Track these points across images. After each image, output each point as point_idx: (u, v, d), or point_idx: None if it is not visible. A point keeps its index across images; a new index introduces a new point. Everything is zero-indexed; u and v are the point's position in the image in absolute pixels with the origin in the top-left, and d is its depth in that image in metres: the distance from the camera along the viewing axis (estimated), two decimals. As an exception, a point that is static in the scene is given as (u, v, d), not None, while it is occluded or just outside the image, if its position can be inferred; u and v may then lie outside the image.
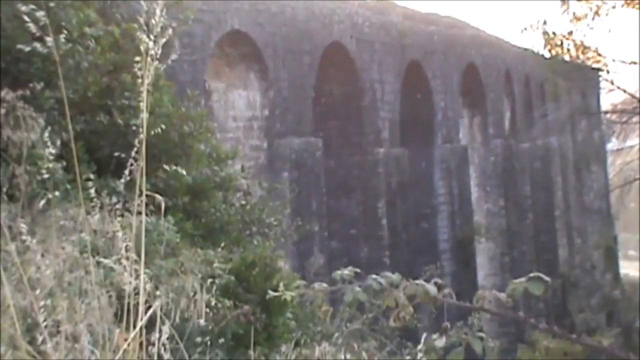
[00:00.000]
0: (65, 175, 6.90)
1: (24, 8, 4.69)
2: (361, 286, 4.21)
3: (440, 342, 4.26)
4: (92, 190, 5.35)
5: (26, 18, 4.63)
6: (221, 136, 20.79)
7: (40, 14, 4.57)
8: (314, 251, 24.13)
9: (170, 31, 4.50)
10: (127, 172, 4.55)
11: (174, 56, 5.32)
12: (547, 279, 3.97)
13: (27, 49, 8.13)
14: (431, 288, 4.12)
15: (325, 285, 4.47)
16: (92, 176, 7.78)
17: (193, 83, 18.90)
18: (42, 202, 5.07)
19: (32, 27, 4.59)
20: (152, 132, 8.25)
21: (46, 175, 4.84)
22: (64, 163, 6.57)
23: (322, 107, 27.89)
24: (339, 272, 4.32)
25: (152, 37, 4.37)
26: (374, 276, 4.23)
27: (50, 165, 4.80)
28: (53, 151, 4.85)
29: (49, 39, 4.55)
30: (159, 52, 4.41)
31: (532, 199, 42.48)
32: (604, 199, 51.54)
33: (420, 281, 4.21)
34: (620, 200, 33.69)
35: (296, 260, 22.79)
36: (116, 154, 8.65)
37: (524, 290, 3.92)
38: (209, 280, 7.20)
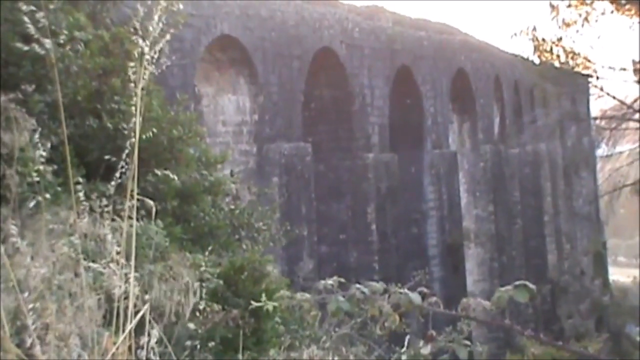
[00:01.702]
0: (55, 178, 6.89)
1: (24, 7, 4.69)
2: (345, 295, 4.19)
3: (425, 349, 4.27)
4: (81, 194, 5.36)
5: (26, 19, 4.63)
6: (211, 141, 20.78)
7: (40, 14, 4.58)
8: (303, 256, 24.15)
9: (168, 37, 4.51)
10: (117, 175, 4.55)
11: (167, 62, 5.33)
12: (533, 286, 3.99)
13: (25, 48, 8.12)
14: (415, 297, 4.12)
15: (308, 295, 4.46)
16: (81, 180, 7.78)
17: (183, 87, 18.89)
18: (32, 204, 5.08)
19: (32, 28, 4.59)
20: (143, 136, 8.26)
21: (36, 178, 4.84)
22: (55, 167, 6.57)
23: (311, 111, 27.92)
24: (322, 282, 4.31)
25: (147, 42, 4.38)
26: (357, 285, 4.22)
27: (41, 167, 4.81)
28: (43, 154, 4.85)
29: (47, 41, 4.56)
30: (156, 56, 4.43)
31: (522, 205, 42.55)
32: (593, 205, 51.63)
33: (404, 290, 4.20)
34: (609, 206, 33.74)
35: (285, 264, 22.79)
36: (106, 157, 8.66)
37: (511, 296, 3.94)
38: (198, 285, 7.21)
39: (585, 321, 43.83)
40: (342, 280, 4.33)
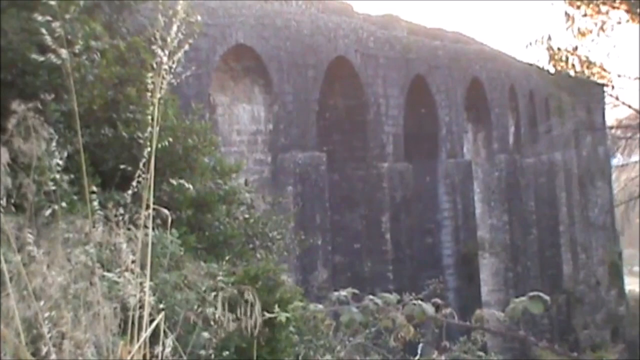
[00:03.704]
0: (71, 187, 6.93)
1: (40, 18, 4.73)
2: (358, 307, 4.20)
3: (439, 360, 4.28)
4: (97, 203, 5.38)
5: (43, 30, 4.66)
6: (225, 150, 20.83)
7: (56, 24, 4.60)
8: (318, 265, 24.13)
9: (186, 47, 4.53)
10: (134, 184, 4.57)
11: (186, 72, 5.36)
12: (547, 298, 3.98)
13: (41, 59, 8.17)
14: (428, 308, 4.11)
15: (321, 306, 4.46)
16: (96, 189, 7.81)
17: (197, 97, 18.93)
18: (48, 213, 5.10)
19: (48, 39, 4.62)
20: (159, 146, 8.30)
21: (52, 187, 4.87)
22: (71, 175, 6.60)
23: (326, 121, 27.94)
24: (336, 293, 4.32)
25: (165, 51, 4.40)
26: (370, 297, 4.22)
27: (57, 176, 4.84)
28: (60, 163, 4.88)
29: (64, 51, 4.58)
30: (174, 66, 4.45)
31: (537, 214, 42.39)
32: (609, 215, 51.43)
33: (418, 301, 4.20)
34: (625, 216, 33.60)
35: (299, 274, 22.78)
36: (121, 166, 8.69)
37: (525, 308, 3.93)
38: (213, 294, 7.21)
39: (601, 331, 43.62)
40: (356, 291, 4.33)
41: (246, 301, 7.49)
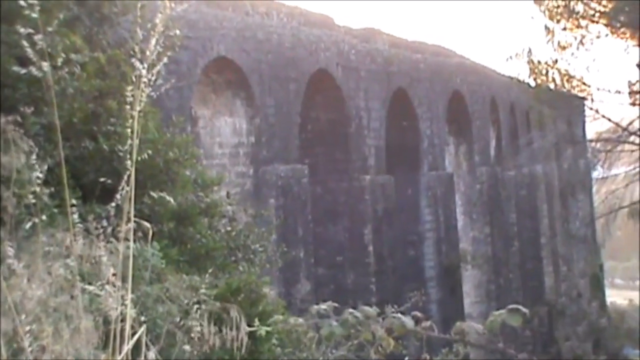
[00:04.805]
0: (51, 200, 6.89)
1: (22, 30, 4.71)
2: (338, 320, 4.20)
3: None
4: (77, 216, 5.35)
5: (25, 42, 4.65)
6: (207, 162, 20.79)
7: (38, 37, 4.59)
8: (300, 278, 24.11)
9: (165, 59, 4.53)
10: (118, 197, 4.56)
11: (166, 85, 5.35)
12: (526, 310, 3.99)
13: (22, 71, 8.13)
14: (408, 322, 4.11)
15: (301, 320, 4.47)
16: (76, 202, 7.77)
17: (179, 109, 18.90)
18: (28, 226, 5.08)
19: (30, 51, 4.61)
20: (139, 158, 8.25)
21: (32, 200, 4.85)
22: (51, 188, 6.57)
23: (308, 133, 27.95)
24: (315, 306, 4.32)
25: (144, 64, 4.40)
26: (350, 310, 4.22)
27: (37, 189, 4.82)
28: (40, 175, 4.86)
29: (45, 64, 4.57)
30: (153, 79, 4.45)
31: (518, 227, 42.53)
32: (590, 227, 51.54)
33: (397, 315, 4.20)
34: (605, 228, 33.71)
35: (282, 286, 22.75)
36: (101, 179, 8.64)
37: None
38: (195, 307, 7.19)
39: (583, 344, 43.70)
40: (336, 305, 4.33)
41: (229, 315, 7.47)
